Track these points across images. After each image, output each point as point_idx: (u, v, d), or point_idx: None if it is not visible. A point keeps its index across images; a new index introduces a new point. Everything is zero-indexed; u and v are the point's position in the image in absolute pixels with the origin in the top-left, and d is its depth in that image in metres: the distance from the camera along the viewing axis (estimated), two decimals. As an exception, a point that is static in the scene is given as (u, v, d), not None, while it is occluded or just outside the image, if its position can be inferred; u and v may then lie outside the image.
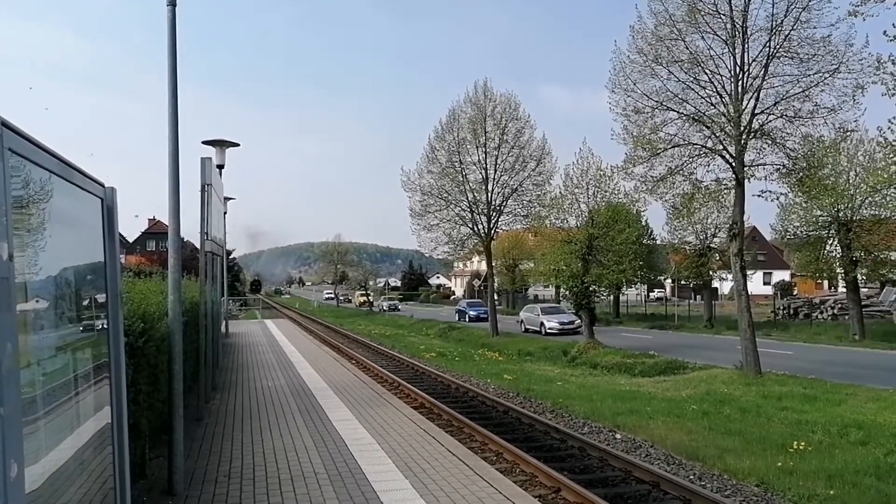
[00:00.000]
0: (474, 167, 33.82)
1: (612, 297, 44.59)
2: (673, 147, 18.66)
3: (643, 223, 41.33)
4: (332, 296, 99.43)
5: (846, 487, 8.57)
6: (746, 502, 8.36)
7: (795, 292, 57.99)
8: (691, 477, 9.25)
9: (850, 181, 27.25)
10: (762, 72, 17.40)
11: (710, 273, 39.35)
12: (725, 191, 19.30)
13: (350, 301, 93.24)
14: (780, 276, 70.06)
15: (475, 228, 34.34)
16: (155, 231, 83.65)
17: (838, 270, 30.49)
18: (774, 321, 37.48)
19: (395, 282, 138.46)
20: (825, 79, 16.96)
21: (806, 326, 34.51)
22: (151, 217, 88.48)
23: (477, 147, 33.52)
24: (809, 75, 17.16)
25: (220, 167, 15.04)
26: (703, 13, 17.53)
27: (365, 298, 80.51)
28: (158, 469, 7.46)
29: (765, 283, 67.94)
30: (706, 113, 18.17)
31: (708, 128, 18.21)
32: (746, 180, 18.14)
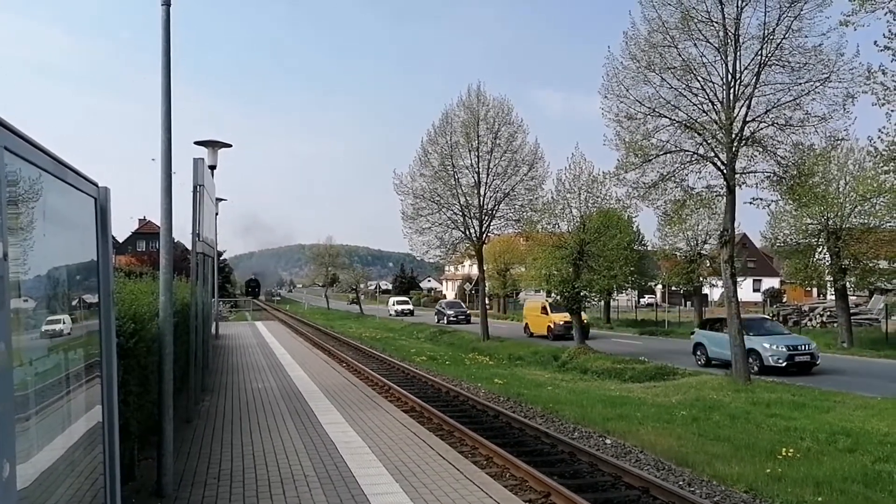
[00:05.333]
0: (467, 171, 33.84)
1: (602, 302, 44.72)
2: (665, 153, 18.77)
3: (634, 229, 41.42)
4: (409, 308, 66.30)
5: (834, 494, 8.62)
6: (735, 508, 8.39)
7: (785, 299, 58.29)
8: (681, 483, 9.27)
9: (840, 190, 27.44)
10: (754, 80, 17.54)
11: (701, 279, 39.47)
12: (717, 198, 19.42)
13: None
14: (770, 283, 70.55)
15: (467, 232, 34.32)
16: (145, 231, 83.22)
17: (827, 278, 30.62)
18: (764, 328, 37.55)
19: (386, 285, 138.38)
20: (816, 87, 17.14)
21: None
22: (142, 217, 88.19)
23: (469, 151, 33.53)
24: (800, 84, 17.33)
25: (213, 168, 15.00)
26: (696, 20, 17.66)
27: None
28: (147, 471, 7.41)
29: (755, 290, 68.28)
30: (698, 120, 18.29)
31: (700, 135, 18.32)
32: (737, 187, 18.28)
